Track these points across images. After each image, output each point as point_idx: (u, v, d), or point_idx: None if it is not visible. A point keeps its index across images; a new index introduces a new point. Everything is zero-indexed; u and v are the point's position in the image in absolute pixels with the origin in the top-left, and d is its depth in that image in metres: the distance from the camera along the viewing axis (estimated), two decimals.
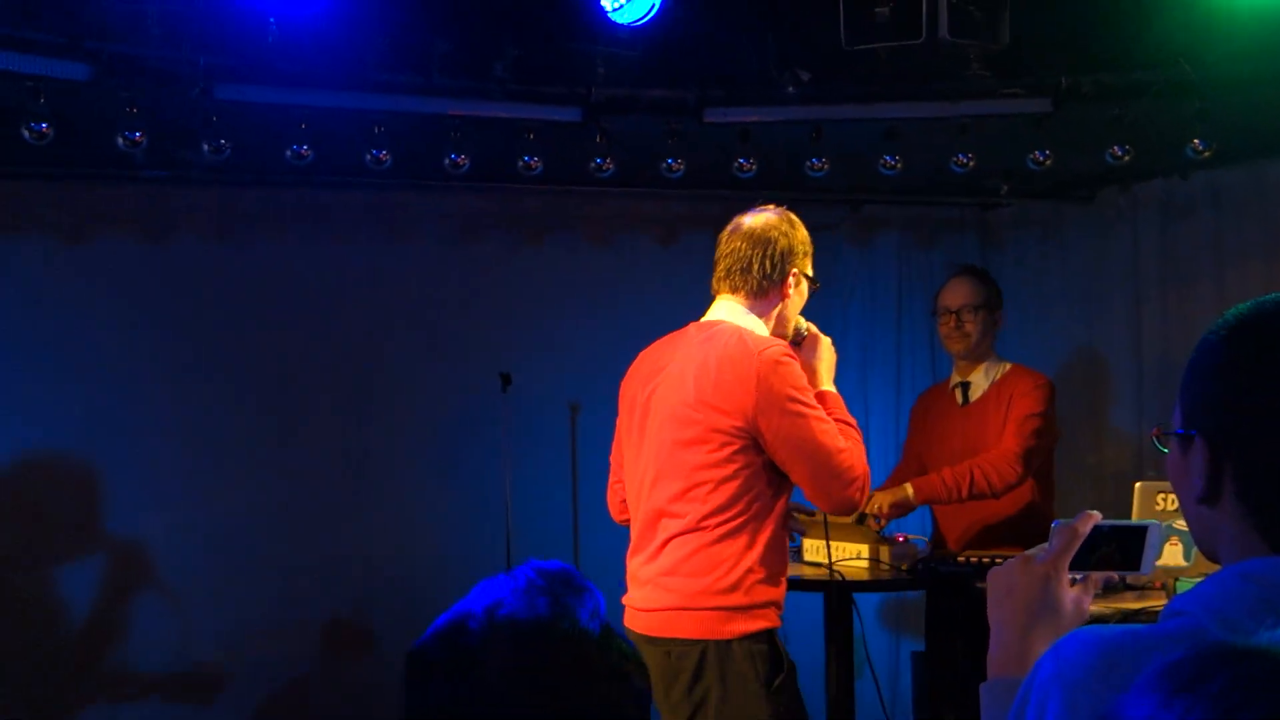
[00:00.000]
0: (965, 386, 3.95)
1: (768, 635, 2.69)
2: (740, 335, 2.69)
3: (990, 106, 3.77)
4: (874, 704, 4.21)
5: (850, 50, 3.50)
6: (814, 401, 2.68)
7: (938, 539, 3.94)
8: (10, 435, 4.34)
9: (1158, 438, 1.26)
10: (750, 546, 2.67)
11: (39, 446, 4.42)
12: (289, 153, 3.82)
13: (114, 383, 4.52)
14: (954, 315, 3.89)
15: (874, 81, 3.79)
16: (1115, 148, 3.89)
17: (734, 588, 2.65)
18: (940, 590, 3.73)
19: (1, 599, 4.29)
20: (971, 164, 4.02)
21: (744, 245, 2.78)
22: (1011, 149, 4.07)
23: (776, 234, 2.79)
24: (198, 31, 3.43)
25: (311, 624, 4.74)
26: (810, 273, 2.84)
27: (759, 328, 2.75)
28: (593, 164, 3.99)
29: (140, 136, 3.57)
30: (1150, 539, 1.46)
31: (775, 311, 2.79)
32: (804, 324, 2.89)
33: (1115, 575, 1.46)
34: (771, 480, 2.70)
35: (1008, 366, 3.93)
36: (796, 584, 3.45)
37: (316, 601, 4.73)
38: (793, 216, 2.86)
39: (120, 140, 3.57)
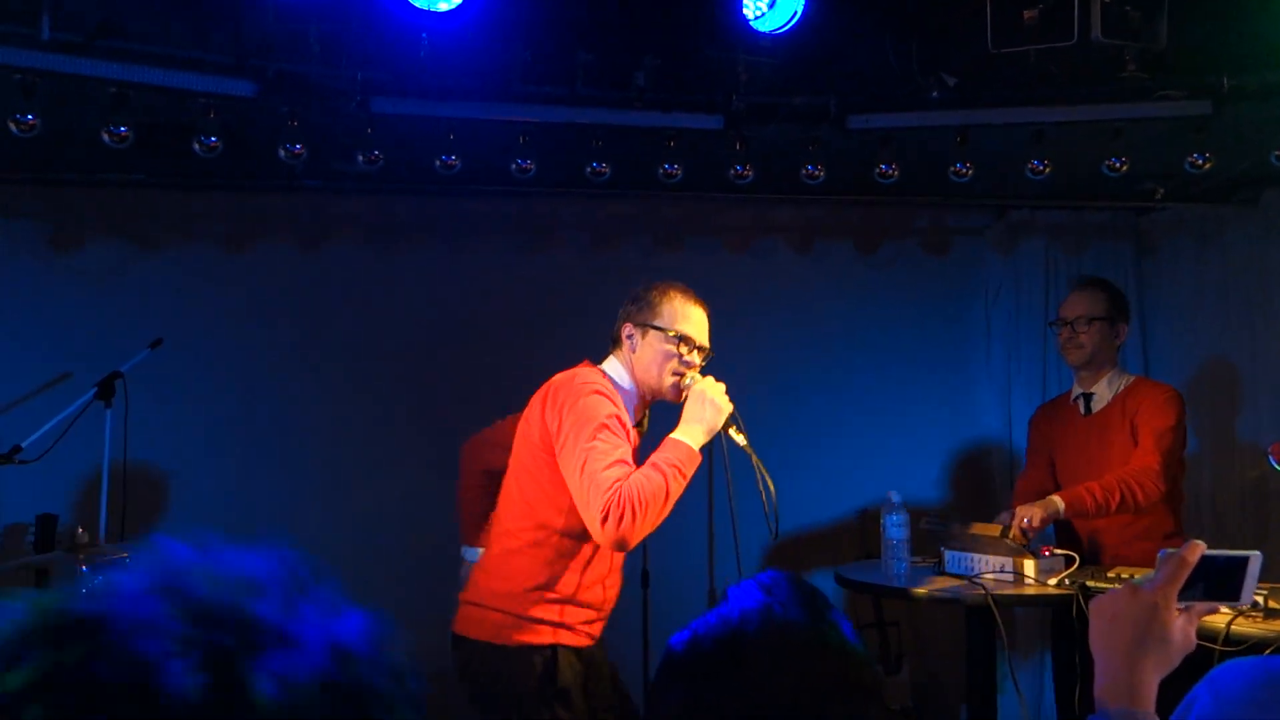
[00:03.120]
0: (1088, 397, 3.95)
1: (551, 650, 2.83)
2: (582, 370, 2.93)
3: (1146, 109, 3.65)
4: (1018, 718, 4.13)
5: (997, 53, 3.43)
6: (609, 437, 2.71)
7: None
8: (172, 430, 4.59)
9: (1277, 456, 1.22)
10: (548, 562, 2.84)
11: (198, 441, 4.66)
12: (438, 162, 3.95)
13: (270, 381, 4.74)
14: (1069, 326, 3.90)
15: (1022, 85, 3.70)
16: None
17: (516, 596, 2.83)
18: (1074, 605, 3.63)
19: None
20: (1125, 168, 3.90)
21: None
22: (1168, 151, 3.93)
23: (630, 297, 3.03)
24: (355, 48, 3.58)
25: (444, 621, 4.87)
26: (663, 326, 2.93)
27: (618, 373, 2.96)
28: (732, 171, 4.01)
29: (300, 149, 3.74)
30: (1251, 569, 1.46)
31: (629, 363, 2.96)
32: (687, 379, 2.92)
33: (1218, 605, 1.45)
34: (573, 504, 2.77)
35: (1131, 379, 3.95)
36: (940, 596, 3.41)
37: (449, 598, 4.86)
38: (663, 285, 3.00)
39: (282, 152, 3.75)
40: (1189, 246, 5.11)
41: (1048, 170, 3.93)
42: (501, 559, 2.90)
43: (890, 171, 3.96)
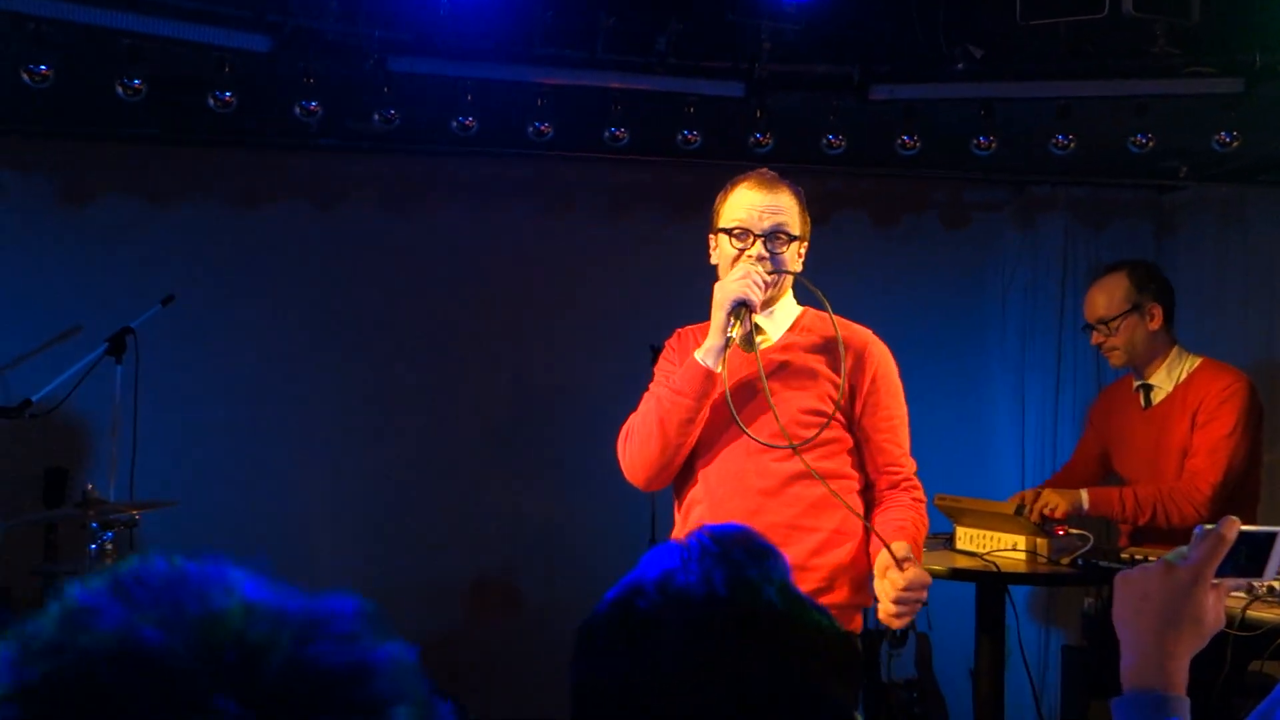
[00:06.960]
0: (1147, 389, 3.66)
1: None
2: None
3: (1177, 86, 3.58)
4: (1022, 694, 4.12)
5: (1026, 25, 3.37)
6: (663, 369, 2.67)
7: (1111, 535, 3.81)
8: (183, 387, 4.57)
9: None
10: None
11: (209, 398, 4.64)
12: (454, 124, 3.90)
13: (281, 341, 4.72)
14: (1093, 330, 3.65)
15: (1050, 58, 3.64)
16: None
17: None
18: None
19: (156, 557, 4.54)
20: (1150, 145, 3.84)
21: None
22: (1194, 129, 3.86)
23: None
24: (373, 5, 3.53)
25: (459, 585, 4.88)
26: (722, 224, 2.61)
27: None
28: (751, 139, 3.96)
29: (316, 106, 3.70)
30: (1277, 546, 1.46)
31: None
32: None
33: (1247, 581, 1.45)
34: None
35: (1195, 362, 3.60)
36: (951, 573, 3.39)
37: (464, 563, 4.87)
38: (731, 180, 2.65)
39: (297, 110, 3.70)
40: (1210, 227, 5.05)
41: (1072, 145, 3.87)
42: None
43: (912, 143, 3.91)
